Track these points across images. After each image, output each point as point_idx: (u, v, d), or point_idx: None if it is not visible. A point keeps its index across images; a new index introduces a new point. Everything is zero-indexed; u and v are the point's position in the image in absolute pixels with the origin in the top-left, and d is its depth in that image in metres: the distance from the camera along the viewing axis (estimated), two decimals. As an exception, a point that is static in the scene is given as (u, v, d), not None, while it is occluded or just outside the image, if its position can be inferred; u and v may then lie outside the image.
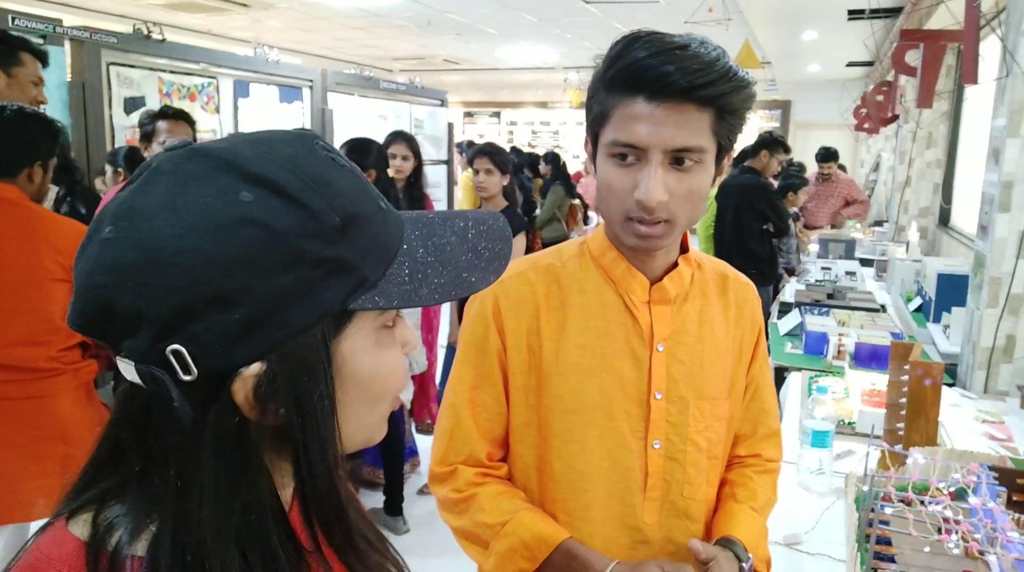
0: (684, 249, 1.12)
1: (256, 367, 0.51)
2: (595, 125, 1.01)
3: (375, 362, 0.58)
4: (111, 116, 4.34)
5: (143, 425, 0.52)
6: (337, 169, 0.55)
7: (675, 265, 1.11)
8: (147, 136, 3.09)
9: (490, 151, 3.49)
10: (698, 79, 0.91)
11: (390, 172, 3.44)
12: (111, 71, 4.35)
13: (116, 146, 4.33)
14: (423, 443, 3.89)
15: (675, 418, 1.09)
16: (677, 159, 0.96)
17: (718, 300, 1.16)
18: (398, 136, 3.61)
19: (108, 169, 3.68)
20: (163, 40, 4.61)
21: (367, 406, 0.59)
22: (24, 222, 1.95)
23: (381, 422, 0.62)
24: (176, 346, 0.48)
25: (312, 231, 0.51)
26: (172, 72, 4.83)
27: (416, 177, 3.64)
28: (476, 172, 3.48)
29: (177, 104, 4.80)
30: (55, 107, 3.98)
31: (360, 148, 3.29)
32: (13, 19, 3.76)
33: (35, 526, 0.56)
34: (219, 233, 0.48)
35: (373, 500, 3.46)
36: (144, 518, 0.52)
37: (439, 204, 7.01)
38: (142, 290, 0.48)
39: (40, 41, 3.80)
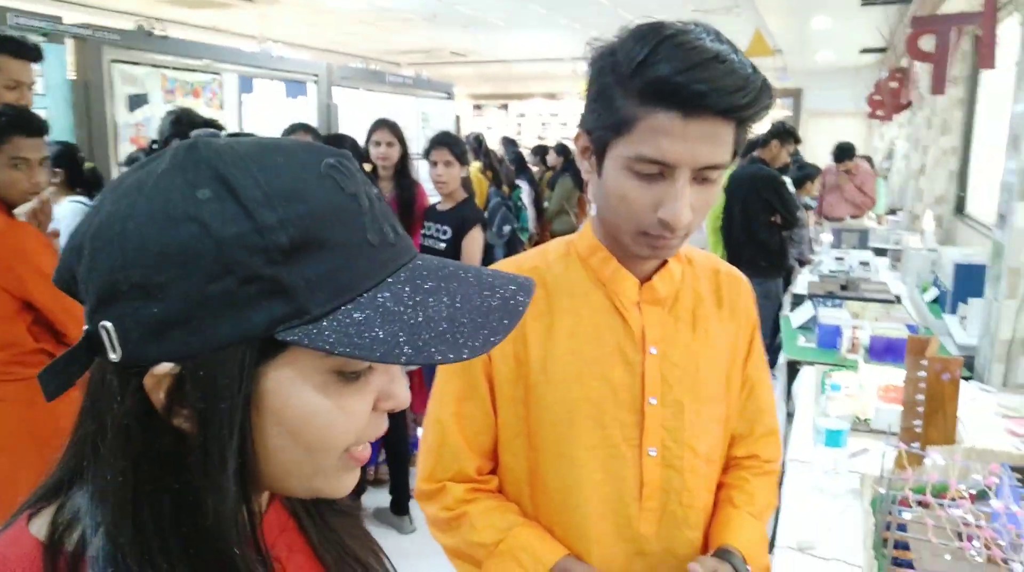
0: None
1: (168, 367, 0.48)
2: (609, 130, 0.91)
3: (306, 404, 0.51)
4: (114, 114, 4.32)
5: (91, 404, 0.52)
6: (330, 190, 0.50)
7: (664, 263, 1.05)
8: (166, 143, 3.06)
9: (449, 142, 3.26)
10: (737, 100, 0.85)
11: (376, 161, 3.36)
12: (113, 69, 4.33)
13: (119, 144, 4.31)
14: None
15: (671, 423, 1.04)
16: (701, 175, 0.90)
17: (711, 296, 1.11)
18: (380, 123, 3.51)
19: None
20: (165, 37, 4.58)
21: (298, 451, 0.53)
22: None
23: (330, 475, 0.55)
24: (106, 323, 0.49)
25: (253, 245, 0.47)
26: (175, 69, 4.81)
27: (404, 165, 3.51)
28: (434, 164, 3.24)
29: (181, 101, 4.78)
30: (57, 106, 3.96)
31: (334, 142, 3.24)
32: (13, 17, 3.74)
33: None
34: (163, 224, 0.47)
35: (379, 499, 3.44)
36: (97, 512, 0.51)
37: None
38: (90, 261, 0.49)
39: (42, 39, 3.78)
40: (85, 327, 0.51)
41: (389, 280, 0.53)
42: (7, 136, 2.05)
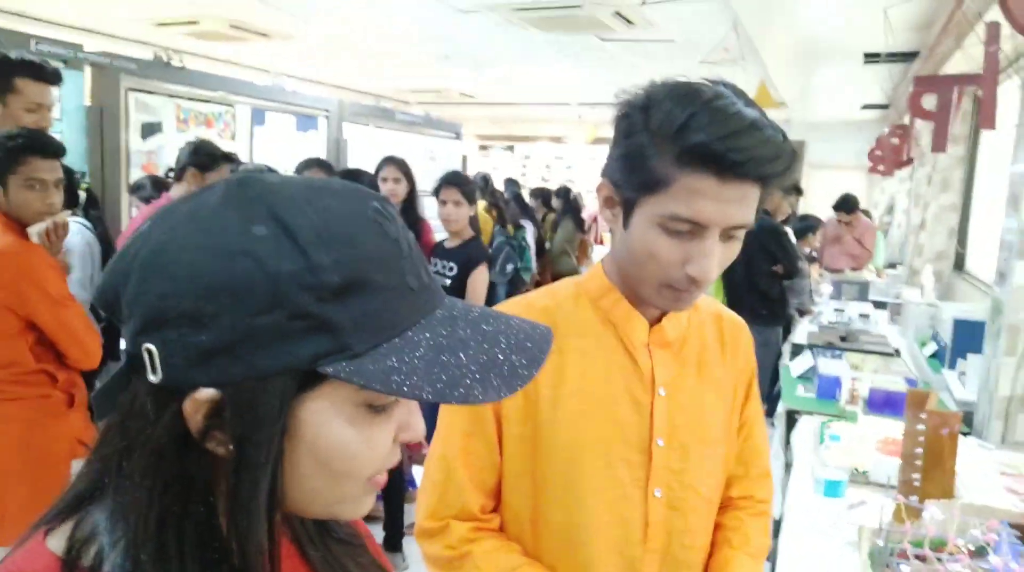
0: None
1: (209, 393, 0.50)
2: (641, 188, 0.93)
3: (338, 436, 0.54)
4: (127, 141, 4.38)
5: (118, 432, 0.53)
6: (375, 235, 0.53)
7: None
8: (179, 173, 3.09)
9: (459, 182, 3.28)
10: (772, 169, 0.89)
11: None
12: (129, 97, 4.40)
13: (130, 170, 4.36)
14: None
15: (676, 465, 1.05)
16: (728, 233, 0.94)
17: (715, 341, 1.14)
18: (388, 160, 3.57)
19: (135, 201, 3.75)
20: (182, 67, 4.67)
21: (324, 478, 0.55)
22: None
23: (350, 501, 0.58)
24: (150, 346, 0.50)
25: (305, 283, 0.50)
26: (190, 99, 4.88)
27: (411, 201, 3.55)
28: (443, 203, 3.25)
29: (193, 131, 4.84)
30: (72, 131, 4.02)
31: (350, 177, 3.27)
32: (36, 43, 3.82)
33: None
34: (217, 256, 0.49)
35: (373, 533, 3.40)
36: (118, 528, 0.52)
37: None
38: (139, 285, 0.50)
39: (61, 66, 3.85)
40: (125, 348, 0.53)
41: (423, 322, 0.55)
42: (24, 157, 2.08)
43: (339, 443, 0.54)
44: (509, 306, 1.09)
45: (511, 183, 7.83)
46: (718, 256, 0.93)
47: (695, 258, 0.92)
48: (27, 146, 2.10)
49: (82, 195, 3.05)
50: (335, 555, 0.68)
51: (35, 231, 2.18)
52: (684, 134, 0.88)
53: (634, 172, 0.93)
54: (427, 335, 0.54)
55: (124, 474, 0.52)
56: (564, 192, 7.55)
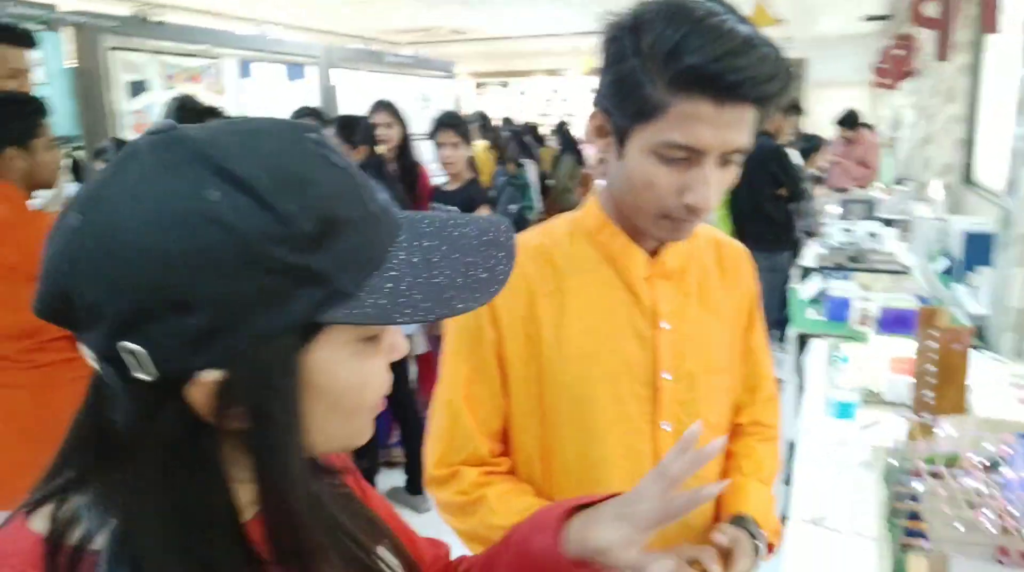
0: None
1: (214, 373, 0.48)
2: (634, 116, 0.89)
3: (349, 375, 0.54)
4: (115, 102, 4.30)
5: (105, 415, 0.51)
6: (327, 168, 0.51)
7: None
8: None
9: (454, 123, 3.23)
10: (770, 89, 0.85)
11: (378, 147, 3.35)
12: (112, 56, 4.30)
13: (121, 132, 4.29)
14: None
15: (684, 397, 1.05)
16: (725, 158, 0.90)
17: (715, 268, 1.12)
18: (378, 105, 3.50)
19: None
20: (163, 23, 4.55)
21: (340, 418, 0.55)
22: None
23: (360, 431, 0.59)
24: (130, 345, 0.46)
25: (279, 236, 0.47)
26: (174, 55, 4.78)
27: (405, 146, 3.49)
28: (441, 146, 3.21)
29: (181, 87, 4.75)
30: (57, 94, 3.95)
31: (347, 125, 3.21)
32: (10, 6, 3.72)
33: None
34: (182, 231, 0.45)
35: (394, 479, 3.46)
36: (104, 512, 0.50)
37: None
38: (99, 284, 0.46)
39: (42, 27, 3.76)
40: (92, 355, 0.49)
41: (393, 246, 0.55)
42: (44, 119, 2.06)
43: (349, 383, 0.54)
44: None
45: (507, 122, 7.69)
46: (716, 183, 0.90)
47: (693, 186, 0.89)
48: (43, 108, 2.07)
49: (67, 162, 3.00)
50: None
51: (42, 198, 2.16)
52: (677, 57, 0.83)
53: (626, 99, 0.89)
54: (402, 257, 0.54)
55: (121, 478, 0.50)
56: (559, 128, 7.43)
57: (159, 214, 0.45)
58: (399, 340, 0.59)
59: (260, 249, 0.46)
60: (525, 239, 1.08)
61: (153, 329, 0.46)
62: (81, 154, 3.91)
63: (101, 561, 0.49)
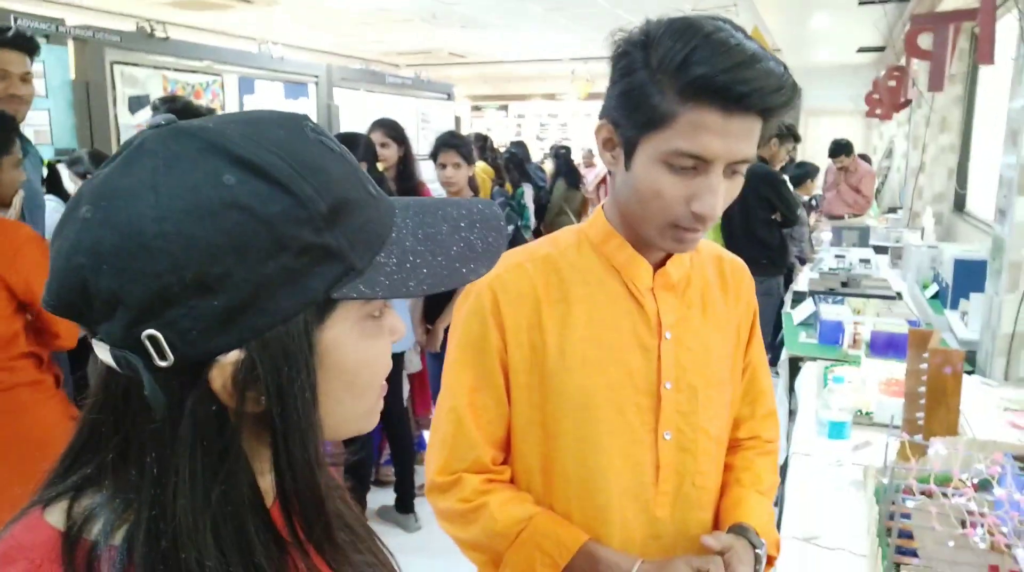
0: None
1: (235, 354, 0.49)
2: (642, 126, 0.92)
3: (359, 352, 0.56)
4: (116, 115, 4.33)
5: (121, 410, 0.51)
6: (328, 153, 0.54)
7: None
8: None
9: (456, 143, 3.25)
10: (776, 100, 0.89)
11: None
12: (115, 70, 4.34)
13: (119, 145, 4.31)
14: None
15: (685, 407, 1.06)
16: (731, 168, 0.93)
17: (716, 282, 1.14)
18: (376, 124, 3.50)
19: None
20: (167, 38, 4.59)
21: (352, 397, 0.57)
22: None
23: (370, 412, 0.61)
24: (152, 331, 0.47)
25: (299, 218, 0.49)
26: (176, 70, 4.82)
27: (405, 165, 3.47)
28: (443, 166, 3.23)
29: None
30: (60, 107, 3.97)
31: (348, 141, 3.22)
32: (15, 19, 3.75)
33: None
34: (203, 217, 0.47)
35: (384, 497, 3.44)
36: (123, 507, 0.51)
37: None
38: (120, 274, 0.46)
39: (44, 40, 3.79)
40: (109, 347, 0.49)
41: (394, 227, 0.57)
42: (14, 135, 2.06)
43: (361, 358, 0.56)
44: (512, 255, 1.08)
45: (518, 146, 7.81)
46: (723, 192, 0.93)
47: (700, 194, 0.92)
48: (14, 126, 2.07)
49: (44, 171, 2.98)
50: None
51: (16, 206, 2.15)
52: (686, 68, 0.87)
53: (636, 110, 0.92)
54: (404, 234, 0.57)
55: (144, 472, 0.50)
56: (557, 152, 7.54)
57: (179, 202, 0.47)
58: (398, 323, 0.61)
59: (284, 230, 0.49)
60: (533, 249, 1.10)
61: (174, 313, 0.47)
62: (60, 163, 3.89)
63: (119, 556, 0.49)
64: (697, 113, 0.88)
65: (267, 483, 0.55)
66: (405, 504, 3.32)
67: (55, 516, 0.51)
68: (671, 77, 0.88)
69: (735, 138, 0.89)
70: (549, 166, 7.66)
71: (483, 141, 5.95)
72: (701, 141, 0.89)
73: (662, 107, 0.89)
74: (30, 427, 2.01)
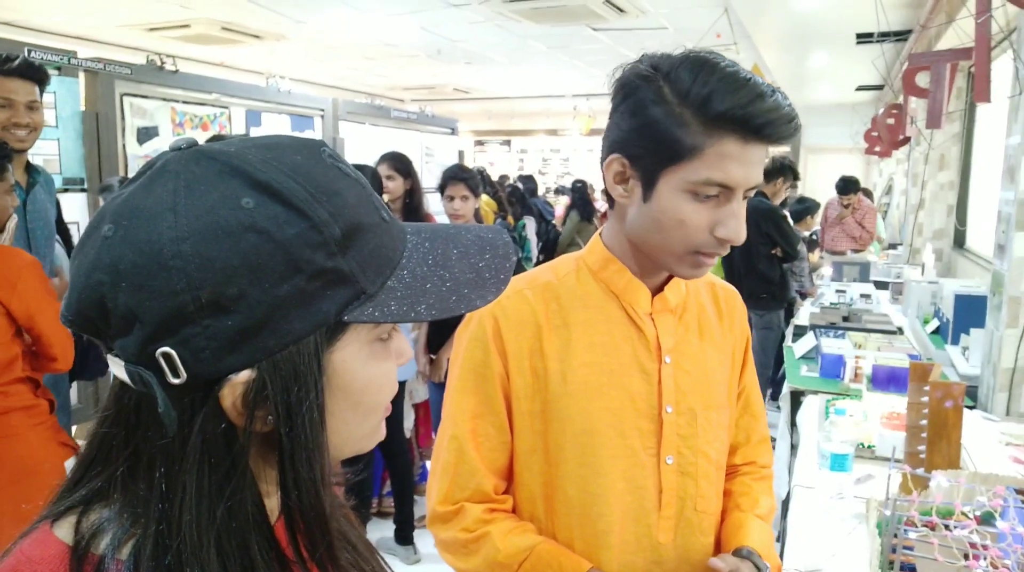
0: None
1: (246, 374, 0.50)
2: (666, 158, 0.95)
3: (367, 374, 0.57)
4: (124, 146, 4.38)
5: (132, 424, 0.52)
6: (343, 178, 0.55)
7: (671, 275, 1.10)
8: None
9: (464, 176, 3.30)
10: (787, 131, 0.95)
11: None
12: (124, 101, 4.40)
13: (128, 175, 4.36)
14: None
15: (685, 431, 1.07)
16: (745, 194, 0.99)
17: (711, 307, 1.17)
18: (382, 158, 3.53)
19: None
20: (176, 71, 4.67)
21: (358, 418, 0.58)
22: None
23: (373, 433, 0.62)
24: (166, 349, 0.48)
25: (314, 242, 0.50)
26: (185, 103, 4.88)
27: (412, 198, 3.49)
28: (451, 199, 3.27)
29: (190, 134, 4.84)
30: (69, 138, 4.03)
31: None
32: (29, 51, 3.82)
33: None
34: (220, 238, 0.48)
35: (385, 529, 3.42)
36: (131, 521, 0.51)
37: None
38: (138, 291, 0.47)
39: (55, 72, 3.86)
40: (123, 364, 0.50)
41: (405, 251, 0.58)
42: (7, 163, 2.09)
43: (369, 380, 0.57)
44: (513, 282, 1.10)
45: (527, 179, 8.00)
46: (743, 217, 0.98)
47: (725, 220, 0.97)
48: (8, 153, 2.11)
49: None
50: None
51: (10, 231, 2.17)
52: (711, 103, 0.92)
53: (659, 144, 0.95)
54: (416, 258, 0.58)
55: (153, 487, 0.51)
56: (574, 186, 7.69)
57: (197, 223, 0.48)
58: (405, 346, 0.62)
59: (299, 254, 0.50)
60: (534, 276, 1.11)
61: (189, 332, 0.48)
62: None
63: (125, 571, 0.49)
64: (722, 144, 0.93)
65: (273, 502, 0.55)
66: (404, 535, 3.29)
67: (63, 530, 0.52)
68: (696, 111, 0.93)
69: (752, 166, 0.95)
70: (552, 199, 7.78)
71: (482, 175, 6.05)
72: (727, 170, 0.94)
73: (687, 140, 0.93)
74: (22, 452, 2.01)
